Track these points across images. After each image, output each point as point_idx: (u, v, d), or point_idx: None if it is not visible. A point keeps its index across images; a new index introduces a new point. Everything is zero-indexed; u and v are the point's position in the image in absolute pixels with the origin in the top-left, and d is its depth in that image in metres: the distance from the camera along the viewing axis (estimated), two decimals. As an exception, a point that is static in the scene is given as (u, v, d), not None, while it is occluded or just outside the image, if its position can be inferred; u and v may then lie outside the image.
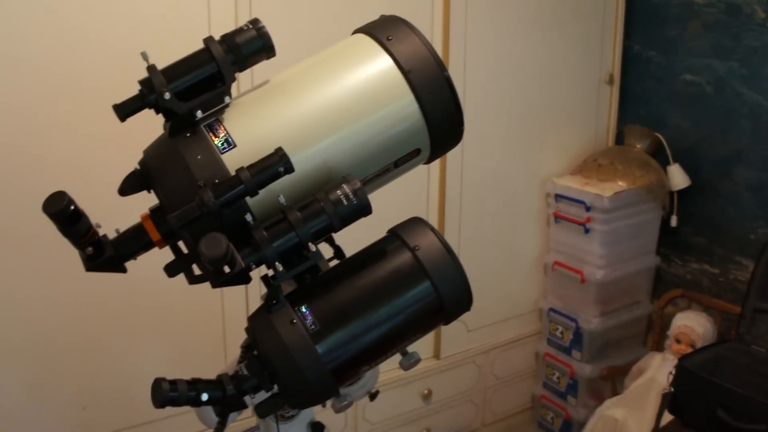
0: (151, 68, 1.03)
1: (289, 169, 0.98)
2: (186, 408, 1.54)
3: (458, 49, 2.53)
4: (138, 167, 1.07)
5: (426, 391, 2.80)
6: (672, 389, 2.15)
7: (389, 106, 1.09)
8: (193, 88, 1.04)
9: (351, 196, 1.00)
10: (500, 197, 2.82)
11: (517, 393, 3.10)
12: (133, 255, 1.09)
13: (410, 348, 1.13)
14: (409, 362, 1.15)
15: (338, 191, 1.00)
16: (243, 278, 0.99)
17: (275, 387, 1.05)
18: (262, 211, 1.02)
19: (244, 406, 1.07)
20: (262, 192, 0.99)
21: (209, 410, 1.40)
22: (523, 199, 2.90)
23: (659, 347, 2.78)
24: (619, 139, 3.05)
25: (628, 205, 2.74)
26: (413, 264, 1.06)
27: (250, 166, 0.97)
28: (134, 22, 1.94)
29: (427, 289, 1.06)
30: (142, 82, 1.03)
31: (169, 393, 1.01)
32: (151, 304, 2.12)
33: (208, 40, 1.06)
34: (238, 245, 0.98)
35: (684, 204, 2.87)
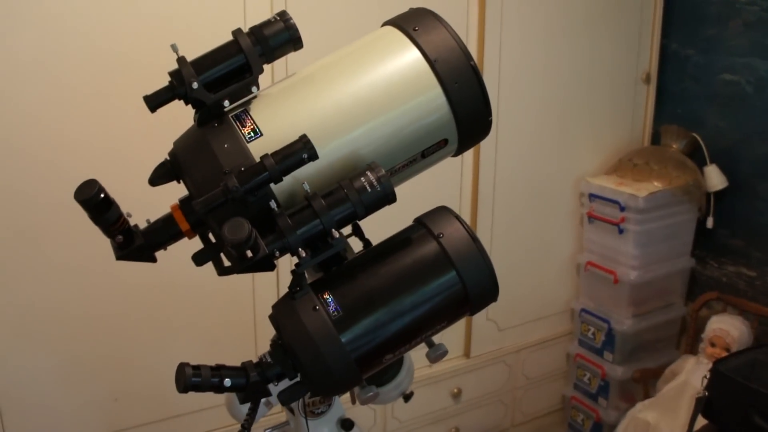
0: (180, 60, 1.05)
1: (313, 155, 0.98)
2: (216, 402, 1.56)
3: (493, 47, 2.51)
4: (168, 158, 1.09)
5: (455, 390, 2.79)
6: (706, 393, 2.12)
7: (416, 97, 1.08)
8: (222, 80, 1.06)
9: (375, 184, 1.00)
10: (534, 196, 2.80)
11: (547, 394, 3.08)
12: (162, 245, 1.11)
13: (438, 341, 1.12)
14: (436, 354, 1.14)
15: (362, 179, 1.00)
16: (267, 265, 0.99)
17: (299, 376, 1.05)
18: (288, 198, 1.04)
19: (268, 394, 1.08)
20: (288, 179, 1.00)
21: (238, 404, 1.41)
22: (556, 198, 2.87)
23: (693, 350, 2.74)
24: (655, 139, 3.01)
25: (664, 205, 2.71)
26: (437, 251, 1.05)
27: (274, 153, 0.98)
28: (170, 16, 1.95)
29: (451, 275, 1.04)
30: (171, 74, 1.05)
31: (192, 378, 1.02)
32: (184, 300, 2.14)
33: (237, 33, 1.08)
34: (263, 232, 0.99)
35: (721, 205, 2.82)
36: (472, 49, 2.48)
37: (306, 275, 1.04)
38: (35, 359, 2.00)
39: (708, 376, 2.15)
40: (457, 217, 1.09)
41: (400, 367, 1.46)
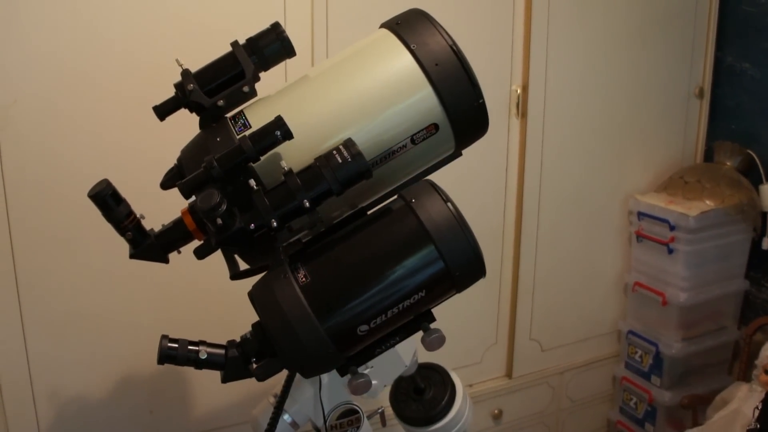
0: (184, 72, 1.16)
1: (287, 134, 1.04)
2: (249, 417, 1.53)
3: (539, 62, 2.46)
4: (176, 162, 1.18)
5: (497, 411, 2.73)
6: (758, 426, 2.02)
7: (397, 80, 1.12)
8: (222, 87, 1.16)
9: (349, 160, 1.03)
10: (580, 213, 2.74)
11: (591, 417, 3.00)
12: (173, 244, 1.18)
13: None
14: (430, 338, 1.15)
15: (337, 156, 1.04)
16: (245, 239, 1.05)
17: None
18: (275, 179, 1.09)
19: (249, 375, 1.12)
20: (274, 163, 1.07)
21: (262, 421, 1.39)
22: (604, 215, 2.80)
23: (746, 377, 2.63)
24: (708, 156, 2.91)
25: (716, 225, 2.61)
26: (406, 215, 1.08)
27: (251, 134, 1.04)
28: (215, 27, 1.94)
29: (415, 229, 1.06)
30: (176, 85, 1.16)
31: (167, 350, 1.09)
32: (223, 311, 2.12)
33: (234, 44, 1.19)
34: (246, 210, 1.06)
35: (777, 226, 2.71)
36: (517, 64, 2.44)
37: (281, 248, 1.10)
38: (74, 368, 2.01)
39: (760, 407, 2.05)
40: (434, 186, 1.10)
41: (453, 401, 1.44)
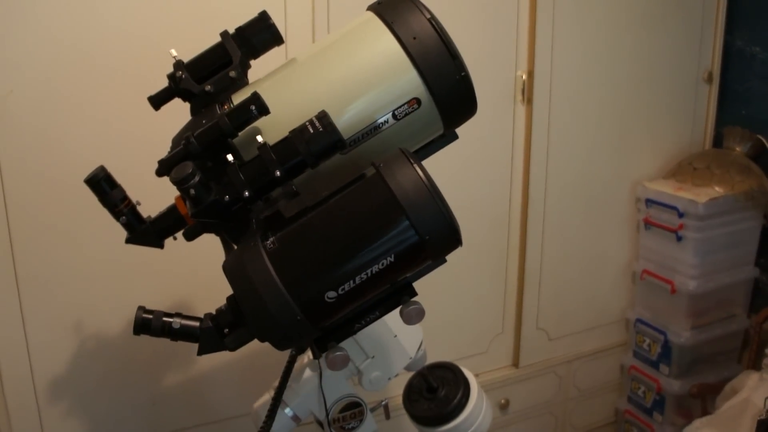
0: (177, 63, 1.19)
1: (263, 109, 1.06)
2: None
3: (545, 47, 2.43)
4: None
5: (503, 401, 2.71)
6: (769, 415, 2.00)
7: (375, 54, 1.14)
8: (212, 76, 1.19)
9: (321, 131, 1.04)
10: (587, 201, 2.70)
11: (599, 406, 2.98)
12: (168, 230, 1.22)
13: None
14: (408, 309, 1.13)
15: (309, 128, 1.05)
16: (221, 212, 1.08)
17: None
18: (254, 154, 1.10)
19: (222, 348, 1.14)
20: (249, 137, 1.10)
21: (262, 414, 1.37)
22: (611, 203, 2.77)
23: (756, 366, 2.60)
24: (718, 142, 2.87)
25: (725, 212, 2.58)
26: (374, 176, 1.07)
27: (228, 111, 1.07)
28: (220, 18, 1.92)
29: (383, 193, 1.04)
30: (169, 76, 1.19)
31: (141, 320, 1.14)
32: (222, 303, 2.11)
33: (224, 35, 1.22)
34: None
35: (788, 212, 2.67)
36: (522, 49, 2.41)
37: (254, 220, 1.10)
38: (75, 359, 1.99)
39: (771, 396, 2.03)
40: (404, 152, 1.08)
41: (467, 399, 1.41)
